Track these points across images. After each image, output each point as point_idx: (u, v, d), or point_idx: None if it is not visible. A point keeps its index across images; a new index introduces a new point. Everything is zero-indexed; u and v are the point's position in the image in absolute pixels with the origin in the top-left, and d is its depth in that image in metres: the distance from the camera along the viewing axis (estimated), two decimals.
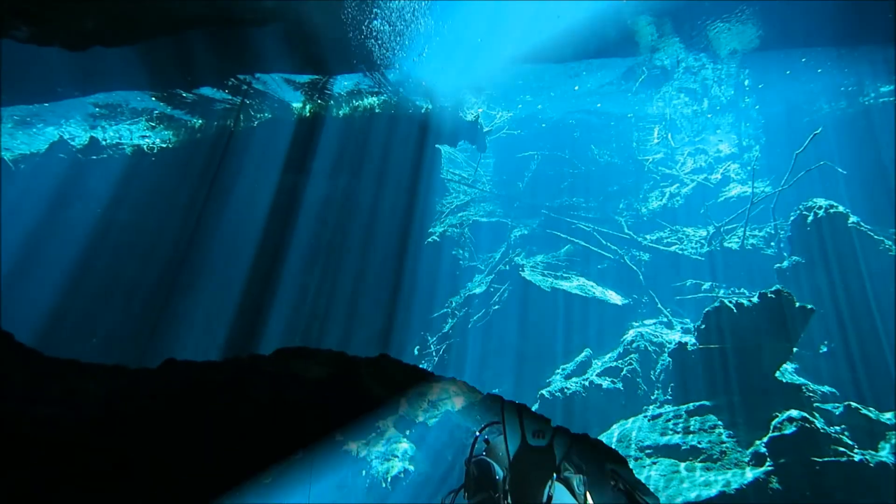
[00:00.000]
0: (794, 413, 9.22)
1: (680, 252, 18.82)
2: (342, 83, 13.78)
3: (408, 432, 4.56)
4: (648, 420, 11.26)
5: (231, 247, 13.50)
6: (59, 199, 13.42)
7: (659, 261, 18.77)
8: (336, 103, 14.60)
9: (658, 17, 12.20)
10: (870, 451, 8.97)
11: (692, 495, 8.54)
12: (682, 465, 9.53)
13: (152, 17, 6.94)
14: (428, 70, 12.89)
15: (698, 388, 11.31)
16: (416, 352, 16.66)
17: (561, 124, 24.54)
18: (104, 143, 14.60)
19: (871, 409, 10.26)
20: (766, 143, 22.69)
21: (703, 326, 11.65)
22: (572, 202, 22.41)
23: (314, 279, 13.92)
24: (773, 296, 11.00)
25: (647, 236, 20.11)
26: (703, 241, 19.00)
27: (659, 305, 16.75)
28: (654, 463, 9.79)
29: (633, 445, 10.51)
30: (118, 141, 14.84)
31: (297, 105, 14.54)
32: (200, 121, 14.59)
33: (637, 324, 16.03)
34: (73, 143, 14.75)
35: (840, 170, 17.66)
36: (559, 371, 14.69)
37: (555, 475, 3.01)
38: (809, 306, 10.99)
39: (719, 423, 10.22)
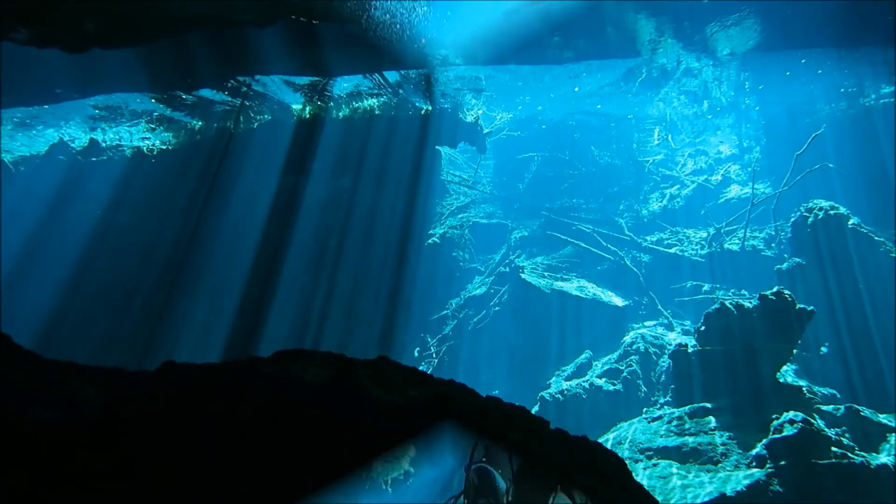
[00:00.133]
0: (794, 415, 9.19)
1: (680, 253, 18.81)
2: (342, 85, 13.79)
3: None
4: (648, 422, 11.24)
5: (231, 248, 13.51)
6: (59, 200, 13.43)
7: (659, 262, 18.75)
8: (336, 105, 14.62)
9: (658, 18, 12.21)
10: (871, 453, 8.96)
11: (692, 497, 8.52)
12: (683, 467, 9.51)
13: (152, 18, 6.94)
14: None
15: (699, 390, 11.30)
16: (416, 353, 16.65)
17: (561, 125, 24.54)
18: (104, 144, 14.61)
19: (871, 410, 10.25)
20: (766, 144, 22.69)
21: (703, 328, 11.63)
22: (572, 203, 22.40)
23: (314, 281, 13.92)
24: (773, 297, 10.98)
25: (648, 238, 20.10)
26: (703, 242, 18.99)
27: (659, 307, 16.74)
28: (654, 465, 9.77)
29: (632, 447, 10.50)
30: (118, 143, 14.86)
31: (296, 107, 14.55)
32: (200, 122, 14.60)
33: (637, 325, 16.02)
34: (72, 144, 14.77)
35: (840, 171, 17.65)
36: (559, 373, 14.67)
37: (558, 486, 2.99)
38: (810, 308, 10.98)
39: (720, 424, 10.21)
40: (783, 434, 8.90)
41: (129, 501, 3.02)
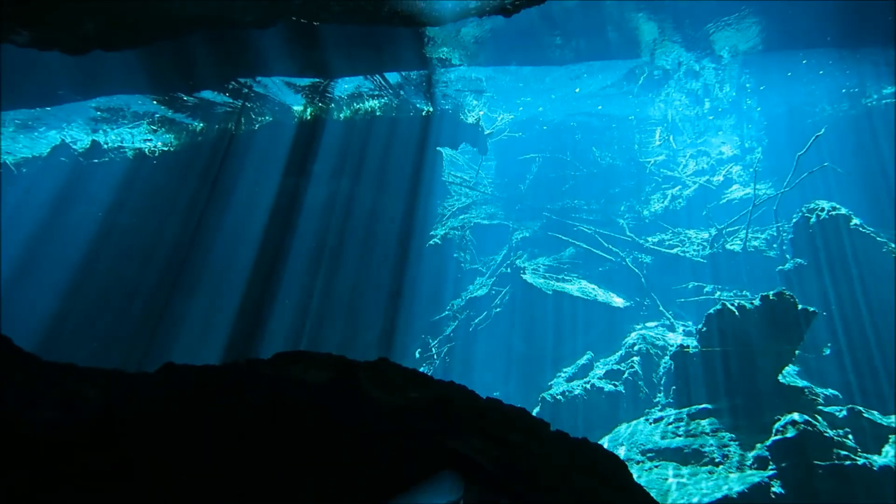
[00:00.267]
0: (796, 416, 9.16)
1: (682, 254, 18.78)
2: (343, 86, 13.81)
3: None
4: (650, 423, 11.22)
5: (232, 250, 13.52)
6: (61, 202, 13.46)
7: (661, 263, 18.73)
8: (337, 106, 14.63)
9: (659, 17, 12.20)
10: (873, 455, 8.93)
11: (694, 499, 8.49)
12: (684, 468, 9.49)
13: (152, 19, 6.95)
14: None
15: (700, 391, 11.28)
16: (417, 355, 16.64)
17: (562, 126, 24.53)
18: (106, 146, 14.64)
19: (874, 412, 10.21)
20: (767, 145, 22.66)
21: (704, 329, 11.61)
22: (574, 204, 22.38)
23: (315, 282, 13.93)
24: (775, 298, 10.96)
25: (649, 238, 20.08)
26: (705, 243, 18.96)
27: (661, 308, 16.72)
28: (656, 466, 9.75)
29: (634, 448, 10.47)
30: (119, 144, 14.88)
31: (297, 108, 14.57)
32: (201, 124, 14.63)
33: (639, 326, 16.00)
34: (74, 146, 14.80)
35: (842, 171, 17.62)
36: (560, 374, 14.66)
37: None
38: (812, 309, 10.95)
39: (721, 426, 10.18)
40: (785, 435, 8.88)
41: (128, 502, 3.02)
